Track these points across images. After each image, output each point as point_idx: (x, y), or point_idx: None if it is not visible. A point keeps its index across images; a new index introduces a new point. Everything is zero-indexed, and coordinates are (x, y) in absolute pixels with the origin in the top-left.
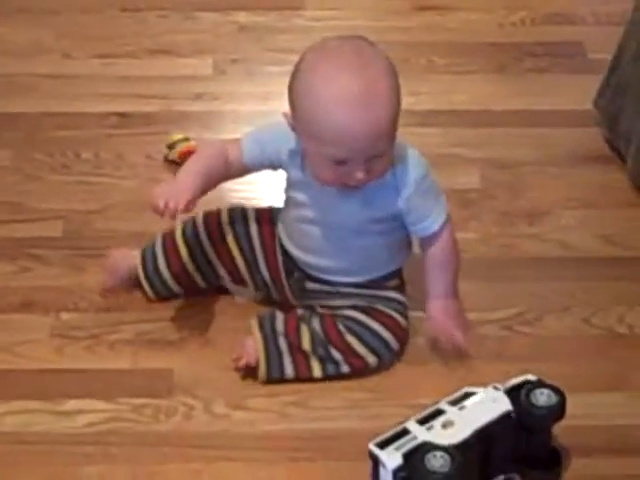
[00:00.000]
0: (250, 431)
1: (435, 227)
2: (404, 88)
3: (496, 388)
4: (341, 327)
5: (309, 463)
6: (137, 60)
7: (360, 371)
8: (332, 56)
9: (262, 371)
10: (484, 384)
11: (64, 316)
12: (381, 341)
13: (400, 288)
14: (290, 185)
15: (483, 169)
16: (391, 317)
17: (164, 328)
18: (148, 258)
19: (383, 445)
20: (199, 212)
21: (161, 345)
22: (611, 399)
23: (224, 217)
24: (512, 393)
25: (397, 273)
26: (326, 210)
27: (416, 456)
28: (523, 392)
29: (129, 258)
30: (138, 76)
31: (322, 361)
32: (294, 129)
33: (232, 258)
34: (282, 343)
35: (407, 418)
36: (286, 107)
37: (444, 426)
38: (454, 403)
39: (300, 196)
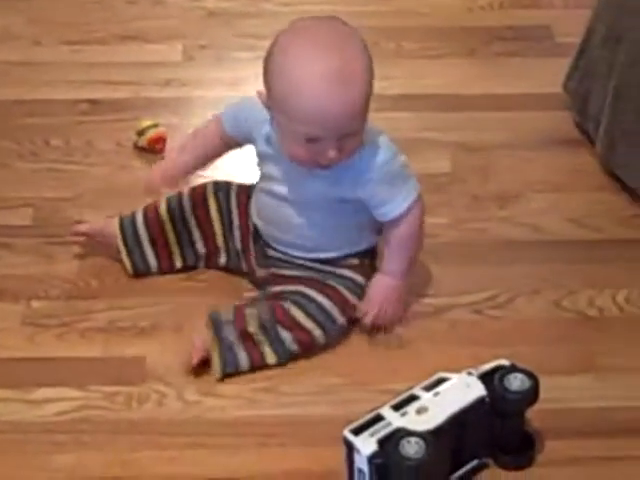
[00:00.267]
0: (222, 417)
1: (396, 213)
2: (375, 72)
3: (470, 373)
4: (287, 303)
5: (281, 449)
6: (106, 46)
7: (308, 347)
8: (307, 36)
9: (216, 367)
10: (457, 369)
11: (35, 304)
12: (325, 313)
13: (357, 268)
14: (260, 159)
15: (454, 153)
16: (338, 291)
17: (136, 315)
18: (127, 227)
19: (358, 431)
20: (185, 186)
21: (133, 332)
22: (581, 382)
23: (209, 188)
24: (485, 378)
25: (357, 254)
26: (292, 186)
27: (391, 442)
28: (496, 377)
29: (108, 226)
30: (107, 62)
31: (272, 344)
32: (268, 107)
33: (211, 224)
34: (231, 334)
35: (381, 404)
36: (255, 92)
37: (418, 412)
38: (428, 389)
39: (268, 170)
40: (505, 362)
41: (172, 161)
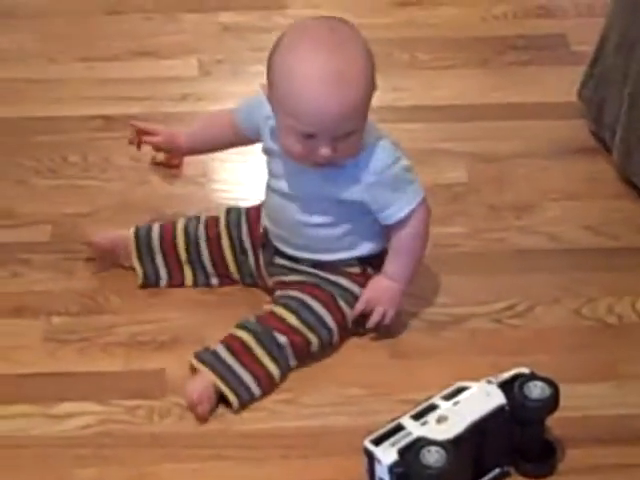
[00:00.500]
0: (243, 430)
1: (399, 216)
2: (387, 84)
3: (489, 382)
4: (278, 308)
5: (303, 460)
6: (122, 63)
7: (303, 350)
8: (309, 34)
9: (233, 402)
10: (477, 378)
11: (55, 320)
12: (315, 316)
13: (357, 277)
14: (267, 156)
15: (469, 163)
16: (332, 297)
17: (155, 329)
18: (142, 236)
19: (378, 441)
20: (203, 214)
21: (153, 346)
22: (601, 389)
23: (222, 215)
24: (505, 386)
25: (360, 260)
26: (291, 181)
27: (411, 451)
28: (516, 385)
29: (123, 235)
30: (123, 78)
31: (271, 354)
32: (269, 101)
33: (223, 257)
34: (232, 362)
35: (401, 414)
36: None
37: (438, 421)
38: (448, 398)
39: (273, 167)
40: (525, 370)
41: (178, 130)
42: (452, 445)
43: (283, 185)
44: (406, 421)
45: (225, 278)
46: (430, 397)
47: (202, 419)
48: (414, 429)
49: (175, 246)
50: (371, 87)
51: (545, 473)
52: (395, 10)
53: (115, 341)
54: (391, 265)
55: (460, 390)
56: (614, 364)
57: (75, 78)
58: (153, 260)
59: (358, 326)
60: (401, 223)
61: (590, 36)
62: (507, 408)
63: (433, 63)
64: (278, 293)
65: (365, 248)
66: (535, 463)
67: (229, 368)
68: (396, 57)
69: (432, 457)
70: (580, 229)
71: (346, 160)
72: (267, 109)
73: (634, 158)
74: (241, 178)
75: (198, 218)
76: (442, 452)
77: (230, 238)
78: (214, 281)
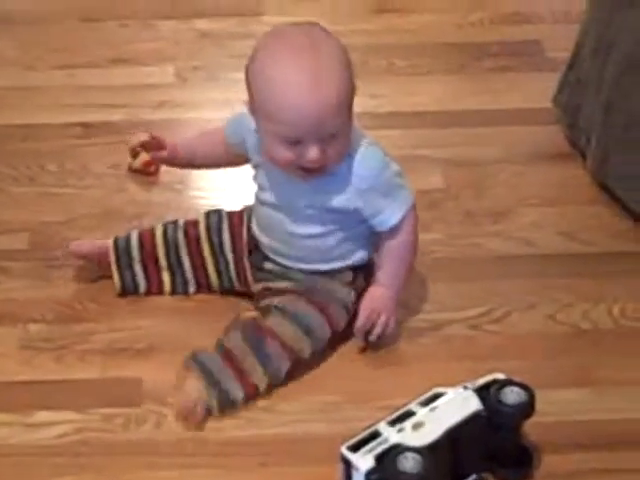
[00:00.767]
0: (220, 437)
1: (392, 222)
2: (364, 91)
3: (465, 388)
4: (271, 315)
5: (280, 468)
6: (99, 70)
7: (293, 359)
8: (284, 38)
9: (213, 408)
10: (453, 384)
11: (32, 327)
12: (310, 324)
13: (349, 285)
14: (255, 170)
15: (446, 169)
16: (326, 305)
17: (133, 337)
18: (121, 245)
19: (355, 448)
20: (181, 219)
21: (130, 354)
22: (577, 395)
23: (202, 218)
24: (482, 392)
25: (351, 269)
26: (281, 193)
27: (388, 458)
28: (492, 391)
29: (102, 243)
30: (100, 86)
31: (260, 363)
32: (252, 112)
33: (203, 261)
34: (219, 366)
35: (378, 420)
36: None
37: (415, 427)
38: (424, 404)
39: (261, 180)
40: (501, 376)
41: (176, 143)
42: (429, 451)
43: (273, 197)
44: (383, 427)
45: (203, 284)
46: (407, 403)
47: (198, 423)
48: (391, 435)
49: (155, 253)
50: (349, 88)
51: (522, 479)
52: (372, 17)
53: (92, 349)
54: (385, 273)
55: (436, 396)
56: (589, 369)
57: (54, 85)
58: (132, 268)
59: (361, 339)
60: (394, 229)
61: (566, 42)
62: (484, 414)
63: (410, 69)
64: (266, 301)
65: (359, 256)
66: (512, 469)
67: (215, 373)
68: (373, 64)
69: (409, 463)
70: (556, 235)
71: (334, 166)
72: (249, 124)
73: (609, 163)
74: (218, 185)
75: (176, 222)
76: (419, 458)
77: (210, 241)
78: (192, 288)
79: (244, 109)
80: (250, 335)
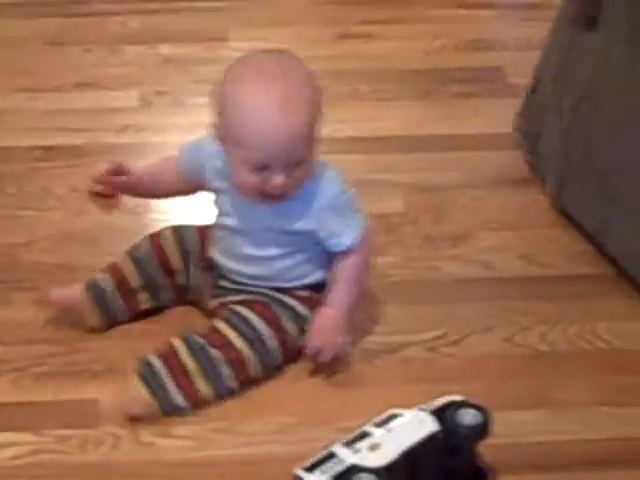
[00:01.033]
0: (177, 458)
1: (345, 245)
2: (328, 116)
3: (422, 409)
4: (217, 322)
5: None
6: (63, 94)
7: (240, 368)
8: (254, 65)
9: (156, 409)
10: (410, 406)
11: None
12: (254, 331)
13: (304, 300)
14: (215, 195)
15: (407, 194)
16: (275, 315)
17: (89, 359)
18: (93, 287)
19: (310, 469)
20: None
21: (87, 376)
22: (533, 416)
23: (167, 232)
24: (438, 414)
25: (309, 287)
26: (243, 218)
27: (344, 479)
28: (449, 412)
29: (71, 292)
30: (64, 109)
31: (204, 372)
32: (219, 139)
33: (171, 267)
34: (162, 372)
35: (334, 442)
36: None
37: (371, 448)
38: (380, 425)
39: (222, 205)
40: (457, 398)
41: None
42: (385, 472)
43: (234, 222)
44: (338, 449)
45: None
46: (363, 424)
47: (132, 417)
48: (346, 457)
49: (124, 277)
50: (318, 114)
51: None
52: (337, 43)
53: (49, 371)
54: (336, 294)
55: (393, 417)
56: (546, 391)
57: (16, 109)
58: (113, 307)
59: (312, 360)
60: (348, 251)
61: (527, 69)
62: (440, 435)
63: (375, 95)
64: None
65: (317, 276)
66: None
67: (158, 378)
68: (337, 89)
69: None
70: (515, 258)
71: (296, 190)
72: (209, 150)
73: (567, 189)
74: (179, 207)
75: (139, 245)
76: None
77: (179, 249)
78: (165, 298)
79: (203, 135)
80: (196, 340)
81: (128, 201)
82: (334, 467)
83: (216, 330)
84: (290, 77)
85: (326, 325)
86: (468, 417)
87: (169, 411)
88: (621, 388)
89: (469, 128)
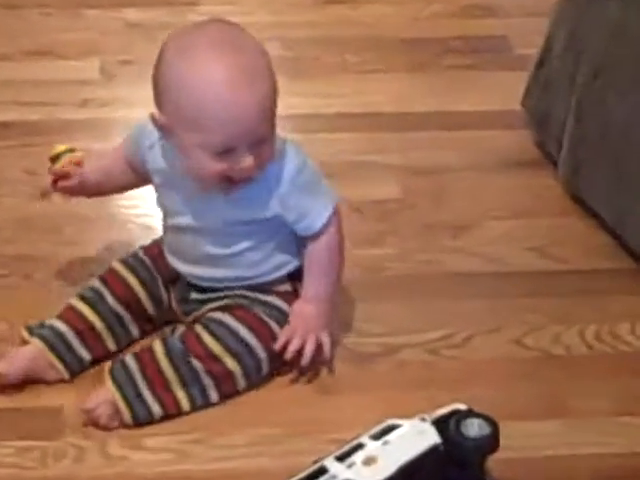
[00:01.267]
0: (148, 473)
1: (318, 224)
2: (312, 90)
3: (423, 419)
4: (199, 328)
5: None
6: (15, 63)
7: (224, 383)
8: (196, 37)
9: (126, 415)
10: (409, 415)
11: None
12: (241, 343)
13: (287, 296)
14: (159, 193)
15: (402, 177)
16: (263, 321)
17: None
18: (53, 341)
19: None
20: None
21: (50, 381)
22: (548, 427)
23: (118, 265)
24: (440, 424)
25: (288, 278)
26: (199, 214)
27: None
28: (452, 423)
29: (32, 358)
30: (16, 81)
31: (184, 382)
32: (165, 129)
33: (128, 287)
34: (137, 376)
35: (325, 455)
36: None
37: (366, 463)
38: (376, 437)
39: (166, 202)
40: (462, 406)
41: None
42: None
43: (187, 220)
44: (330, 463)
45: (142, 318)
46: (357, 436)
47: (101, 427)
48: (339, 472)
49: (86, 322)
50: (276, 83)
51: None
52: (319, 8)
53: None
54: (311, 286)
55: (390, 428)
56: (561, 399)
57: None
58: (74, 351)
59: (292, 363)
60: (320, 232)
61: (535, 38)
62: (442, 448)
63: (363, 66)
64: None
65: (294, 263)
66: None
67: (133, 383)
68: (322, 60)
69: None
70: (524, 250)
71: (261, 172)
72: (149, 137)
73: (582, 172)
74: (145, 193)
75: (91, 286)
76: None
77: (137, 276)
78: (135, 331)
79: (142, 123)
80: (177, 347)
81: None
82: None
83: (199, 340)
84: (241, 46)
85: (303, 321)
86: (473, 428)
87: (141, 420)
88: None
89: (470, 104)
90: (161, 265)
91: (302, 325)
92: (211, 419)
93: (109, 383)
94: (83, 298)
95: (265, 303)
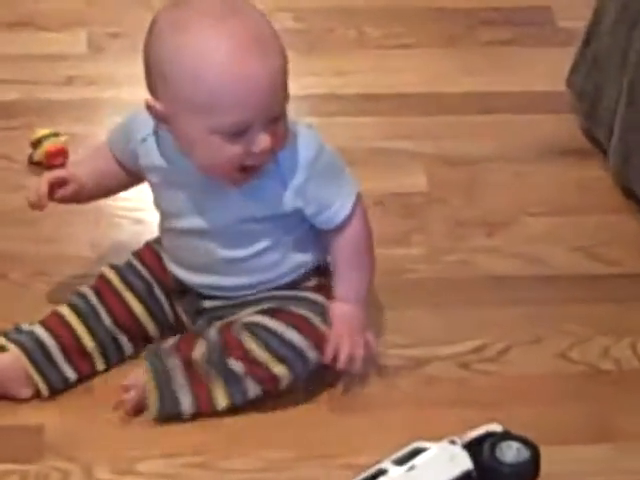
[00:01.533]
0: None
1: (342, 216)
2: (328, 68)
3: (453, 442)
4: (240, 331)
5: None
6: None
7: (270, 387)
8: (194, 8)
9: (152, 405)
10: (438, 437)
11: None
12: (289, 347)
13: (320, 289)
14: (153, 190)
15: (430, 167)
16: (304, 318)
17: None
18: (32, 349)
19: None
20: (82, 285)
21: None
22: (595, 452)
23: (107, 271)
24: (473, 448)
25: (315, 272)
26: (205, 214)
27: None
28: (486, 446)
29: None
30: None
31: (225, 384)
32: (164, 117)
33: (127, 307)
34: (174, 366)
35: None
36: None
37: None
38: (401, 462)
39: (167, 203)
40: (497, 428)
41: (66, 171)
42: None
43: (193, 222)
44: None
45: (138, 337)
46: (378, 461)
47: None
48: None
49: (76, 338)
50: (285, 51)
51: None
52: None
53: None
54: (351, 285)
55: (416, 452)
56: (609, 420)
57: None
58: (57, 368)
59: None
60: (344, 226)
61: (582, 10)
62: (474, 475)
63: (385, 41)
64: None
65: (319, 257)
66: None
67: (167, 372)
68: (338, 33)
69: None
70: (568, 251)
71: (277, 153)
72: (141, 130)
73: (633, 162)
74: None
75: (80, 291)
76: None
77: (131, 287)
78: (129, 351)
79: (132, 114)
80: (215, 346)
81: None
82: None
83: (241, 344)
84: (244, 13)
85: (346, 324)
86: (510, 452)
87: (167, 412)
88: None
89: (507, 85)
90: (160, 274)
91: (347, 329)
92: (213, 439)
93: (144, 368)
94: (75, 309)
95: (300, 299)
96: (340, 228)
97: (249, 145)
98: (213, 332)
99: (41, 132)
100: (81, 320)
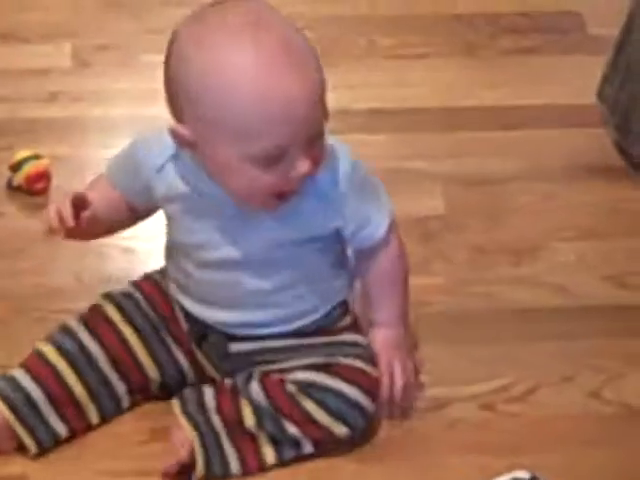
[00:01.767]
0: None
1: (381, 232)
2: (337, 80)
3: None
4: (294, 392)
5: None
6: None
7: (327, 445)
8: (218, 22)
9: (200, 469)
10: None
11: None
12: (349, 405)
13: (354, 326)
14: (177, 225)
15: (448, 188)
16: (359, 370)
17: None
18: (17, 402)
19: None
20: (68, 318)
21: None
22: None
23: (102, 301)
24: None
25: (345, 307)
26: (233, 242)
27: None
28: None
29: None
30: None
31: (275, 442)
32: (190, 144)
33: (127, 347)
34: (219, 428)
35: None
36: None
37: None
38: None
39: (188, 234)
40: (524, 475)
41: (83, 193)
42: None
43: (223, 252)
44: None
45: (138, 387)
46: None
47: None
48: None
49: (65, 386)
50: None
51: None
52: None
53: None
54: (391, 307)
55: None
56: None
57: None
58: (42, 417)
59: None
60: (382, 243)
61: (614, 16)
62: None
63: (399, 51)
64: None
65: (343, 290)
66: None
67: (213, 434)
68: (347, 43)
69: None
70: (600, 280)
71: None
72: (158, 158)
73: None
74: None
75: (65, 326)
76: None
77: (131, 323)
78: (125, 403)
79: (132, 141)
80: (262, 407)
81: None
82: None
83: (301, 412)
84: (274, 22)
85: (394, 351)
86: None
87: (215, 473)
88: None
89: (532, 98)
90: (166, 312)
91: (396, 356)
92: None
93: (183, 420)
94: (61, 350)
95: (340, 344)
96: (378, 246)
97: (287, 171)
98: (256, 389)
99: (21, 154)
100: (69, 363)
